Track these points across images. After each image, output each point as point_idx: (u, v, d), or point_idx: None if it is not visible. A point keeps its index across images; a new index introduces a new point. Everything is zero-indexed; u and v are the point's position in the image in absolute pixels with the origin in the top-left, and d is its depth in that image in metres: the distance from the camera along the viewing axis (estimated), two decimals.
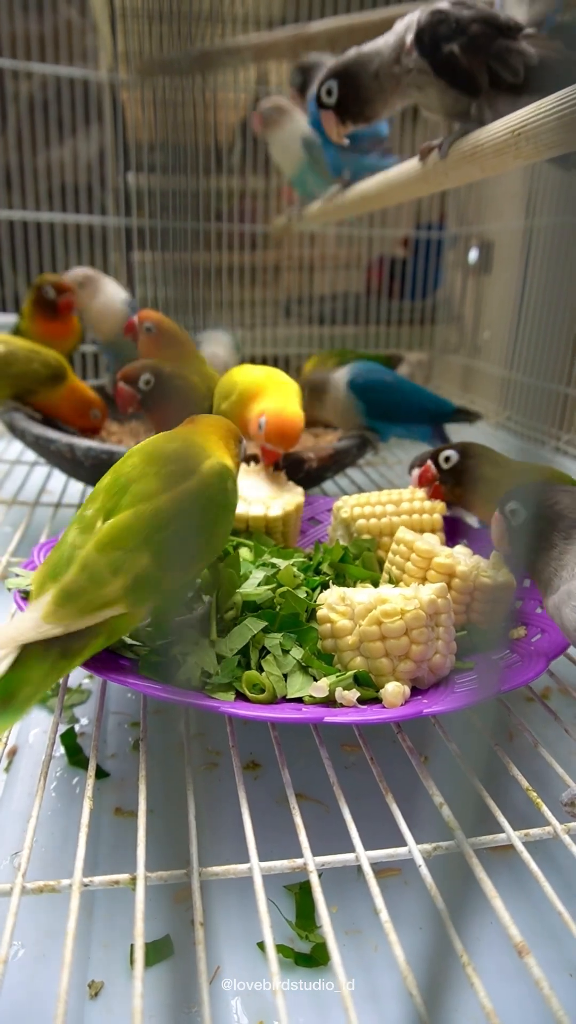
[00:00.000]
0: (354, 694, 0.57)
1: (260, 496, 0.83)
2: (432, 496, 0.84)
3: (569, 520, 0.55)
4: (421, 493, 0.84)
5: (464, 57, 0.77)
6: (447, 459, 0.83)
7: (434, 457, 0.86)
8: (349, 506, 0.82)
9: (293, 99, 1.33)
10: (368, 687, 0.59)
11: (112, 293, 1.33)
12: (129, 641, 0.62)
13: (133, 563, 0.52)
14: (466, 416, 1.13)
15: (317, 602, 0.64)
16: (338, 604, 0.62)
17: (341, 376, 1.11)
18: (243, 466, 0.90)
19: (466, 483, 0.83)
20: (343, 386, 1.10)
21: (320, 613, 0.63)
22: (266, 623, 0.63)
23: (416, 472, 0.87)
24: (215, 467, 0.60)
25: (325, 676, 0.60)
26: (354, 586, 0.73)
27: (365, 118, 0.89)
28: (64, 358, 1.15)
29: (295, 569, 0.71)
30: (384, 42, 0.85)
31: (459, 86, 0.79)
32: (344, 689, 0.58)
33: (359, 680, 0.59)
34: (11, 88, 1.67)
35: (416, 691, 0.60)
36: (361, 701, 0.58)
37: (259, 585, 0.69)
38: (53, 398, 1.12)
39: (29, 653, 0.49)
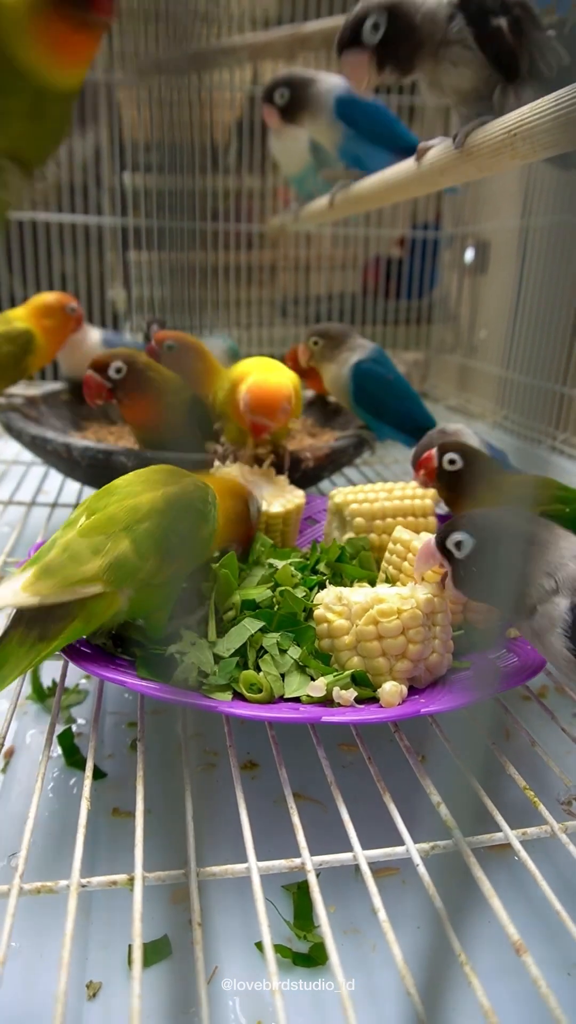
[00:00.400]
0: (351, 693, 0.57)
1: (262, 494, 0.84)
2: (425, 484, 0.83)
3: (523, 540, 0.54)
4: (414, 484, 0.84)
5: (510, 35, 0.73)
6: (451, 462, 0.81)
7: (438, 455, 0.85)
8: (342, 493, 0.82)
9: (269, 116, 1.25)
10: (365, 687, 0.59)
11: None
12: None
13: (114, 546, 0.56)
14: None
15: (314, 602, 0.64)
16: (335, 604, 0.62)
17: (355, 354, 1.10)
18: (244, 469, 0.90)
19: (464, 492, 0.81)
20: (349, 364, 1.09)
21: (317, 613, 0.63)
22: (263, 623, 0.63)
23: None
24: (199, 483, 0.65)
25: (323, 676, 0.60)
26: (351, 585, 0.73)
27: (402, 70, 0.79)
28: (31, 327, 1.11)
29: (292, 568, 0.71)
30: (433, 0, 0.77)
31: (501, 64, 0.75)
32: (342, 689, 0.58)
33: (356, 680, 0.59)
34: None
35: (413, 690, 0.60)
36: (359, 700, 0.58)
37: (258, 584, 0.69)
38: (37, 361, 1.10)
39: (9, 636, 0.52)
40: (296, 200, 1.54)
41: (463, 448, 0.81)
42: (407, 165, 0.92)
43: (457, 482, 0.81)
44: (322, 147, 1.60)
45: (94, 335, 1.31)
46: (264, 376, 0.87)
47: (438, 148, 0.83)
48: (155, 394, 0.95)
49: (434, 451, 0.82)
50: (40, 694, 0.73)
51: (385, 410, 1.10)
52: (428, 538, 0.60)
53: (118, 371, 0.93)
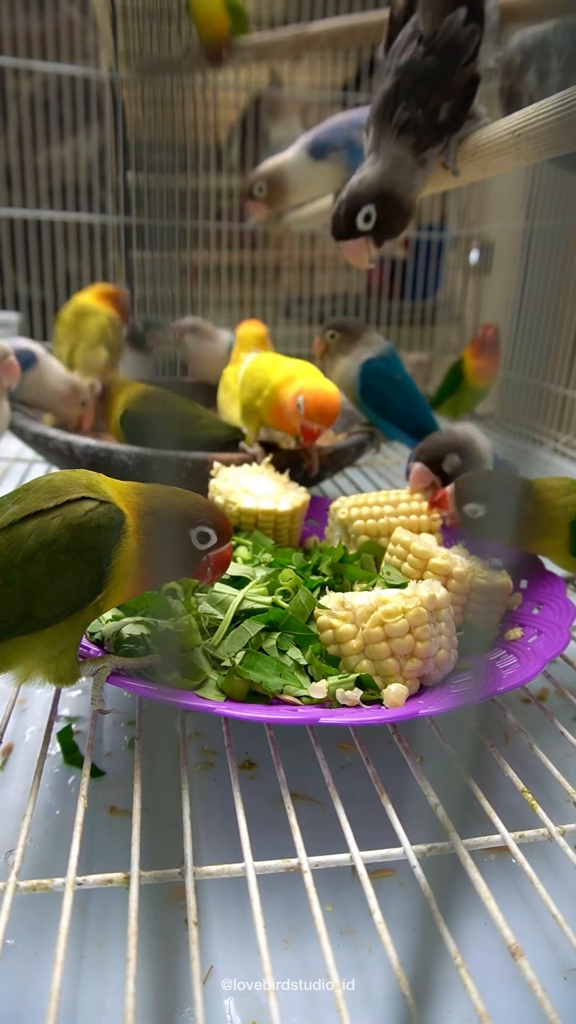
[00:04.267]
0: (357, 694, 0.57)
1: (268, 492, 0.84)
2: (435, 505, 0.78)
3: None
4: (419, 496, 0.84)
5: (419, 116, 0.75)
6: (473, 512, 0.73)
7: (434, 462, 0.85)
8: (347, 507, 0.82)
9: (256, 208, 1.22)
10: (371, 689, 0.59)
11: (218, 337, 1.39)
12: (126, 634, 0.62)
13: None
14: None
15: (316, 608, 0.64)
16: (338, 609, 0.62)
17: (368, 351, 1.10)
18: (249, 465, 0.90)
19: (494, 535, 0.74)
20: (360, 360, 1.10)
21: (320, 620, 0.63)
22: (263, 625, 0.63)
23: (415, 467, 0.86)
24: (89, 511, 0.52)
25: (325, 677, 0.59)
26: (352, 588, 0.73)
27: (399, 232, 0.82)
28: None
29: (293, 570, 0.71)
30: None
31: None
32: (346, 690, 0.58)
33: (362, 683, 0.59)
34: (12, 86, 1.67)
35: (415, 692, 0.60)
36: (363, 702, 0.58)
37: (259, 583, 0.68)
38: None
39: None
40: None
41: (482, 491, 0.73)
42: None
43: (484, 528, 0.73)
44: None
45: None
46: (318, 383, 0.88)
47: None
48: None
49: (449, 495, 0.74)
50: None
51: (390, 409, 1.10)
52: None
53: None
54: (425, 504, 0.82)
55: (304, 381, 0.88)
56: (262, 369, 0.95)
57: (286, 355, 1.00)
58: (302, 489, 0.86)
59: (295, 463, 0.98)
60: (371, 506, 0.82)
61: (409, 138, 0.77)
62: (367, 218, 0.79)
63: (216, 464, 0.89)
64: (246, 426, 1.00)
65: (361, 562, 0.76)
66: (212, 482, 0.85)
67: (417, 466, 0.85)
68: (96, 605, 0.53)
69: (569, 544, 0.71)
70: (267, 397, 0.92)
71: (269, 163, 1.19)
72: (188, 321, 1.37)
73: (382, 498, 0.83)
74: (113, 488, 0.56)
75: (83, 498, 0.52)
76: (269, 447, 1.00)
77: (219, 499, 0.82)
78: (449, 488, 0.74)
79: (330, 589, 0.71)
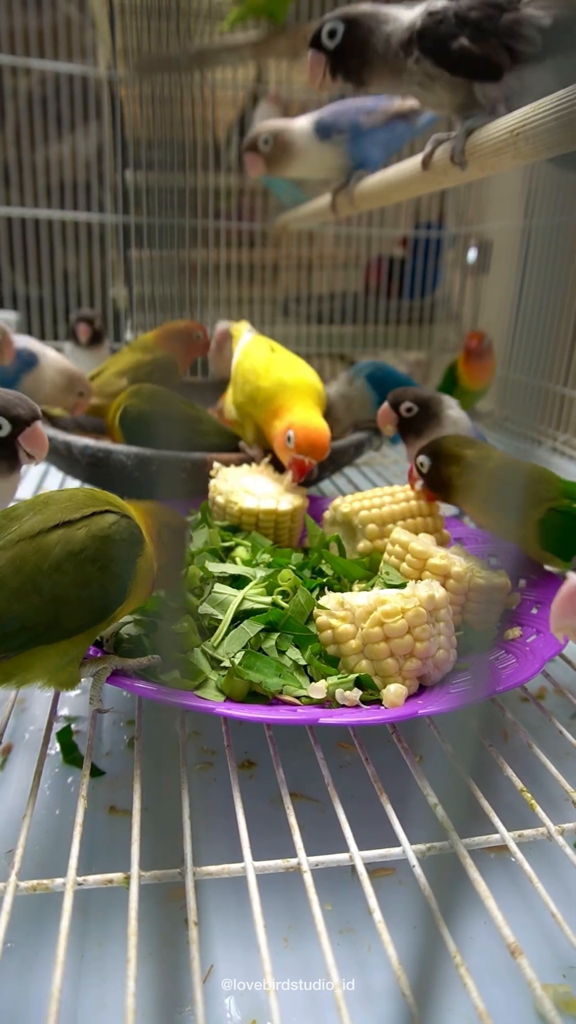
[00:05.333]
0: (356, 694, 0.57)
1: (268, 492, 0.84)
2: (423, 498, 0.82)
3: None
4: (414, 490, 0.84)
5: (476, 47, 0.73)
6: (421, 464, 0.79)
7: (394, 404, 0.90)
8: (348, 502, 0.82)
9: (254, 163, 1.20)
10: (370, 689, 0.59)
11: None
12: (125, 634, 0.62)
13: None
14: None
15: (316, 609, 0.64)
16: (337, 609, 0.62)
17: (358, 370, 1.13)
18: (248, 465, 0.90)
19: (445, 489, 0.79)
20: (361, 379, 1.11)
21: (320, 620, 0.63)
22: (263, 625, 0.63)
23: (383, 406, 0.92)
24: (112, 524, 0.54)
25: (324, 677, 0.60)
26: (351, 588, 0.73)
27: (356, 80, 0.83)
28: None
29: (292, 571, 0.71)
30: (404, 17, 0.79)
31: (480, 75, 0.76)
32: (345, 690, 0.58)
33: (361, 683, 0.59)
34: (10, 84, 1.67)
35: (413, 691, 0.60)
36: (362, 702, 0.58)
37: (258, 584, 0.68)
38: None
39: None
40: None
41: (433, 447, 0.79)
42: (410, 165, 0.92)
43: (433, 479, 0.79)
44: None
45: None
46: (308, 416, 0.86)
47: (442, 149, 0.83)
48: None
49: (386, 406, 0.85)
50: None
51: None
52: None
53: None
54: (423, 501, 0.82)
55: (295, 412, 0.86)
56: (254, 372, 0.93)
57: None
58: (302, 490, 0.86)
59: None
60: (371, 498, 0.82)
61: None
62: (331, 34, 0.81)
63: (216, 464, 0.89)
64: (242, 426, 0.99)
65: (370, 561, 0.75)
66: (212, 482, 0.85)
67: (384, 405, 0.91)
68: (113, 616, 0.55)
69: (540, 539, 0.71)
70: (260, 405, 0.90)
71: (279, 122, 1.18)
72: (222, 326, 1.34)
73: (379, 491, 0.83)
74: (124, 503, 0.59)
75: (106, 511, 0.54)
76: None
77: (220, 499, 0.82)
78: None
79: (329, 589, 0.71)
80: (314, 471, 0.97)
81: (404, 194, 1.03)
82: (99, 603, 0.52)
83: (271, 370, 0.91)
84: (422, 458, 0.79)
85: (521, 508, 0.69)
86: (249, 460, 0.93)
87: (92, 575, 0.51)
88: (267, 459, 0.92)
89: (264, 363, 0.93)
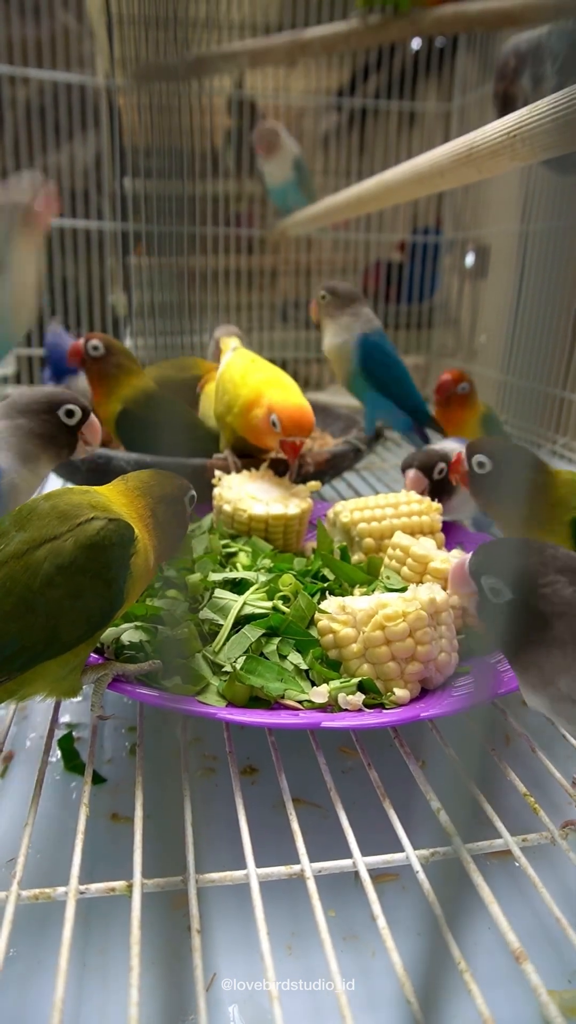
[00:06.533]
0: (359, 698, 0.57)
1: (274, 496, 0.84)
2: (421, 493, 0.83)
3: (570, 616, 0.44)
4: (416, 495, 0.84)
5: None
6: (480, 464, 0.72)
7: (426, 468, 0.87)
8: (348, 510, 0.82)
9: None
10: (372, 693, 0.59)
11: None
12: (126, 640, 0.62)
13: None
14: (438, 426, 1.13)
15: (317, 613, 0.64)
16: (339, 613, 0.62)
17: (360, 323, 1.10)
18: (249, 471, 0.90)
19: (496, 495, 0.73)
20: (354, 333, 1.09)
21: (321, 624, 0.63)
22: (264, 630, 0.63)
23: (411, 472, 0.88)
24: (101, 529, 0.52)
25: (326, 682, 0.59)
26: (352, 592, 0.73)
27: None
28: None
29: (293, 576, 0.70)
30: None
31: None
32: (347, 695, 0.58)
33: (363, 687, 0.59)
34: (8, 93, 1.68)
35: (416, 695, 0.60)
36: (364, 706, 0.58)
37: (259, 588, 0.68)
38: None
39: None
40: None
41: (493, 448, 0.73)
42: (406, 167, 0.92)
43: (487, 485, 0.73)
44: (304, 166, 1.64)
45: None
46: (286, 395, 0.86)
47: (440, 151, 0.83)
48: (112, 384, 1.03)
49: (463, 452, 0.75)
50: None
51: (390, 383, 1.11)
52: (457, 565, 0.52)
53: (95, 349, 1.02)
54: (424, 505, 0.82)
55: (273, 396, 0.86)
56: (232, 383, 0.92)
57: (283, 359, 1.00)
58: (304, 491, 0.86)
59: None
60: (372, 508, 0.82)
61: None
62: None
63: (217, 473, 0.89)
64: (221, 433, 0.98)
65: (368, 566, 0.75)
66: (217, 491, 0.84)
67: (412, 472, 0.89)
68: (112, 620, 0.54)
69: (571, 540, 0.70)
70: (237, 414, 0.90)
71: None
72: (220, 331, 1.32)
73: (382, 501, 0.83)
74: (111, 494, 0.57)
75: (93, 518, 0.53)
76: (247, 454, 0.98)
77: (227, 507, 0.82)
78: (462, 450, 0.75)
79: (330, 593, 0.71)
80: (308, 464, 0.97)
81: (401, 197, 1.04)
82: (96, 611, 0.52)
83: (247, 377, 0.92)
84: (482, 458, 0.72)
85: (554, 514, 0.68)
86: (249, 466, 0.93)
87: (85, 585, 0.51)
88: (266, 463, 0.92)
89: (242, 373, 0.93)
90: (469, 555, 0.50)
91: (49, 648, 0.50)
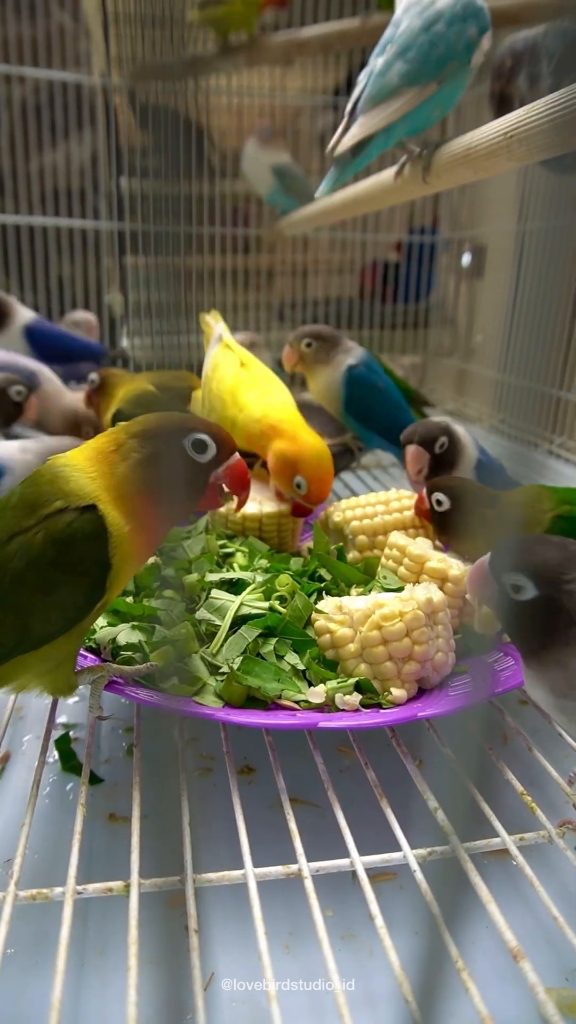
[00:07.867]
0: (356, 698, 0.57)
1: (267, 495, 0.84)
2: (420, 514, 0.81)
3: None
4: (407, 492, 0.84)
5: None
6: (439, 503, 0.76)
7: (427, 443, 0.86)
8: (341, 510, 0.82)
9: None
10: (370, 692, 0.59)
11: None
12: (123, 640, 0.62)
13: None
14: None
15: (314, 613, 0.64)
16: (335, 613, 0.62)
17: (348, 357, 1.09)
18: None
19: (456, 531, 0.76)
20: (342, 368, 1.08)
21: (318, 624, 0.63)
22: (261, 630, 0.63)
23: (411, 448, 0.86)
24: (67, 521, 0.49)
25: (323, 682, 0.59)
26: (348, 593, 0.73)
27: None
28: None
29: (290, 576, 0.71)
30: None
31: None
32: (344, 695, 0.58)
33: (360, 687, 0.59)
34: (4, 92, 1.67)
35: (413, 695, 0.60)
36: (361, 706, 0.58)
37: (256, 589, 0.68)
38: None
39: None
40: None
41: (450, 487, 0.76)
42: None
43: (447, 521, 0.76)
44: (286, 171, 1.63)
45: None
46: (316, 459, 0.79)
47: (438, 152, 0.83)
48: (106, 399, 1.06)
49: (424, 492, 0.77)
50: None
51: (374, 419, 1.09)
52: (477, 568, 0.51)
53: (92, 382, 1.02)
54: (414, 500, 0.82)
55: (300, 452, 0.79)
56: (221, 400, 0.87)
57: (279, 359, 0.99)
58: None
59: None
60: (363, 507, 0.82)
61: None
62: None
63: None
64: None
65: (365, 566, 0.75)
66: None
67: (413, 447, 0.86)
68: (97, 610, 0.53)
69: None
70: (233, 431, 0.83)
71: None
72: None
73: (372, 499, 0.83)
74: (83, 460, 0.53)
75: (63, 510, 0.50)
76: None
77: (221, 508, 0.81)
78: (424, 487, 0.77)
79: (327, 593, 0.71)
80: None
81: (397, 198, 1.04)
82: (71, 606, 0.50)
83: (237, 396, 0.86)
84: (440, 496, 0.74)
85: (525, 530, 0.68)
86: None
87: (58, 579, 0.49)
88: (260, 463, 0.92)
89: (231, 388, 0.88)
90: (487, 556, 0.49)
91: (21, 644, 0.50)
